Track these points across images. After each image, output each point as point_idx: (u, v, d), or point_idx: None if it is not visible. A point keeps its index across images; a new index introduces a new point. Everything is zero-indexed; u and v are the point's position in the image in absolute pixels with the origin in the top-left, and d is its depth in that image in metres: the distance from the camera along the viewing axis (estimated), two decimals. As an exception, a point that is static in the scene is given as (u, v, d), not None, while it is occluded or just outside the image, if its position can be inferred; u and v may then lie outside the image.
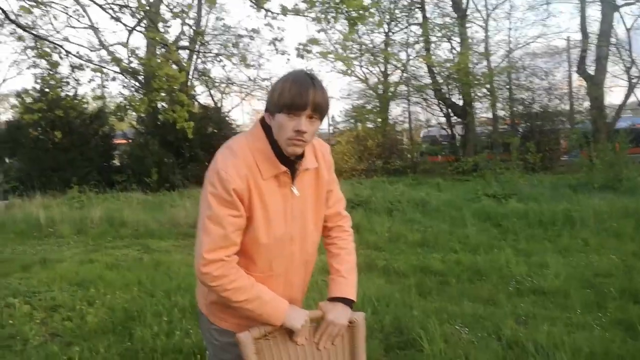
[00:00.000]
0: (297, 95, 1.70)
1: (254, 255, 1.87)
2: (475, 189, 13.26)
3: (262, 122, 1.87)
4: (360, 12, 5.52)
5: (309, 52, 5.93)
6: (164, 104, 10.85)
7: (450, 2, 21.44)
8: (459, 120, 22.08)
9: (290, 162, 1.85)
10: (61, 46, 7.16)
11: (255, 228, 1.83)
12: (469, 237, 8.13)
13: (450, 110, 22.34)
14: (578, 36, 21.51)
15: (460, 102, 21.92)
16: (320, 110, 1.76)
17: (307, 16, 5.82)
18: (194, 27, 11.52)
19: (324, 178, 2.01)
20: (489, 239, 7.98)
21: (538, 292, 5.44)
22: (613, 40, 20.61)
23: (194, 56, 15.04)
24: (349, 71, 22.18)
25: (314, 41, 5.92)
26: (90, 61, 7.47)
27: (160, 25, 7.33)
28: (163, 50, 8.32)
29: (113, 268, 6.93)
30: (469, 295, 5.40)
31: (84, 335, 4.42)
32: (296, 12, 6.22)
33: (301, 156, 1.88)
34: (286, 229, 1.90)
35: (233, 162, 1.77)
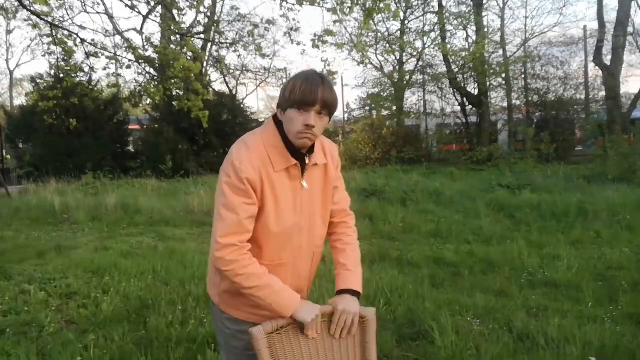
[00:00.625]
0: (308, 92, 1.82)
1: (263, 244, 1.96)
2: (489, 179, 13.21)
3: (275, 119, 1.98)
4: (376, 2, 5.50)
5: (324, 42, 5.93)
6: (179, 91, 10.89)
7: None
8: (474, 109, 21.91)
9: (301, 157, 1.96)
10: (77, 34, 7.20)
11: (266, 218, 1.92)
12: (483, 228, 8.12)
13: (465, 99, 22.18)
14: (595, 25, 21.28)
15: (476, 92, 21.75)
16: (328, 107, 1.87)
17: (322, 6, 5.82)
18: (208, 14, 11.49)
19: (332, 175, 2.11)
20: (502, 230, 7.97)
21: (550, 284, 5.43)
22: (630, 29, 20.34)
23: (209, 44, 15.03)
24: (366, 61, 22.18)
25: (329, 32, 5.92)
26: (105, 49, 7.51)
27: (175, 12, 7.35)
28: (178, 37, 8.35)
29: (128, 256, 7.00)
30: (481, 287, 5.41)
31: (99, 323, 4.48)
32: (312, 2, 6.20)
33: (311, 151, 1.99)
34: (295, 219, 2.00)
35: (247, 154, 1.88)
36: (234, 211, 1.85)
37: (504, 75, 20.93)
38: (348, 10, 5.61)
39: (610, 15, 20.36)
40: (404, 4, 22.53)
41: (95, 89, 15.28)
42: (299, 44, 6.98)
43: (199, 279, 5.64)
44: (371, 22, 18.64)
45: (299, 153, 1.95)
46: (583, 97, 21.18)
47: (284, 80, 22.12)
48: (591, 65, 22.22)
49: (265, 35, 20.35)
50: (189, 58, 7.11)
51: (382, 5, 5.61)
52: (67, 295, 5.35)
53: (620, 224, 7.87)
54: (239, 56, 22.01)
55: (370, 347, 2.05)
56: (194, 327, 4.23)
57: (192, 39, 8.39)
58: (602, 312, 4.54)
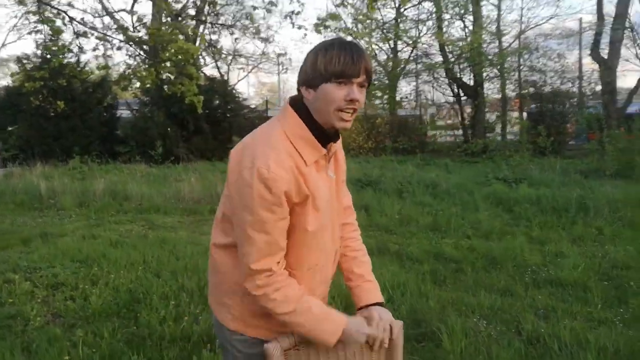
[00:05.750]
0: (350, 62, 1.55)
1: (295, 247, 1.69)
2: (484, 172, 13.05)
3: (292, 104, 1.69)
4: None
5: (326, 27, 5.68)
6: (170, 75, 10.58)
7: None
8: (469, 100, 21.72)
9: (327, 144, 1.69)
10: (65, 12, 6.86)
11: (303, 218, 1.65)
12: (481, 222, 7.94)
13: (460, 90, 21.98)
14: (590, 17, 21.16)
15: (471, 82, 21.55)
16: (370, 77, 1.63)
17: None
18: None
19: (343, 163, 1.89)
20: (502, 225, 7.80)
21: (555, 283, 5.26)
22: (628, 23, 20.22)
23: (202, 27, 14.66)
24: (367, 47, 21.84)
25: (334, 17, 5.66)
26: (94, 28, 7.19)
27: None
28: (170, 19, 8.06)
29: (117, 245, 6.75)
30: (484, 284, 5.22)
31: (87, 318, 4.27)
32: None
33: (337, 136, 1.73)
34: (330, 215, 1.76)
35: (275, 156, 1.57)
36: (264, 231, 1.58)
37: (499, 67, 20.73)
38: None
39: (607, 8, 20.10)
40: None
41: (84, 70, 14.81)
42: (300, 27, 6.63)
43: (192, 271, 5.42)
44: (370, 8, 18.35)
45: (326, 140, 1.68)
46: (582, 90, 21.05)
47: (282, 67, 21.84)
48: (587, 59, 22.14)
49: (266, 17, 19.91)
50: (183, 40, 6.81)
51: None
52: (54, 286, 5.11)
53: (622, 221, 7.72)
54: (235, 39, 21.48)
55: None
56: (188, 324, 4.02)
57: (187, 22, 8.11)
58: (612, 315, 4.38)
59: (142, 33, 6.95)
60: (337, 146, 1.80)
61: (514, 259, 6.06)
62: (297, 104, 1.69)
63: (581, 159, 15.92)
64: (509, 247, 6.48)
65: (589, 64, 22.08)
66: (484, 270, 5.73)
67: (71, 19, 6.83)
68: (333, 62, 1.56)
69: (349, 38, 22.51)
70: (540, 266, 5.78)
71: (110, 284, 5.10)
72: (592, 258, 6.10)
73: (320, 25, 5.52)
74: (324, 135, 1.66)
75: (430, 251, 6.47)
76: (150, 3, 12.18)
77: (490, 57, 20.63)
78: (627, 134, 12.63)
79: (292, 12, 6.43)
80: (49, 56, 14.99)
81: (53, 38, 12.70)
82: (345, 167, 1.92)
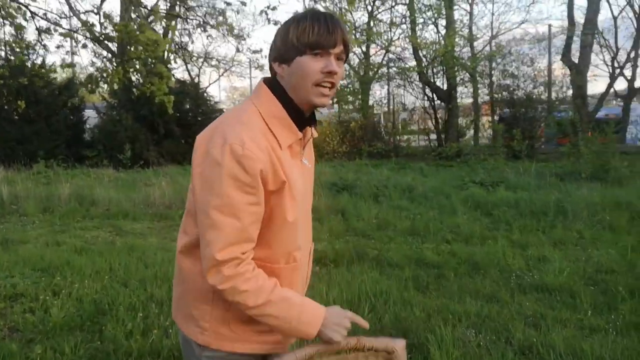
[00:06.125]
0: (325, 32, 1.42)
1: (274, 241, 1.49)
2: (460, 176, 12.94)
3: (267, 84, 1.51)
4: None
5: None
6: (139, 76, 10.19)
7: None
8: (443, 104, 21.67)
9: (303, 127, 1.53)
10: (27, 6, 6.48)
11: (282, 206, 1.45)
12: (460, 226, 7.78)
13: (434, 94, 21.91)
14: (559, 24, 21.40)
15: (445, 86, 21.50)
16: (347, 49, 1.50)
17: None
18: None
19: (313, 155, 1.76)
20: (481, 229, 7.63)
21: (541, 288, 5.10)
22: (598, 28, 20.46)
23: (173, 22, 14.27)
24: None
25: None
26: (58, 24, 6.81)
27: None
28: (137, 16, 7.73)
29: (82, 252, 6.40)
30: (469, 291, 5.04)
31: (47, 332, 3.93)
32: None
33: (313, 119, 1.56)
34: (304, 207, 1.58)
35: (248, 133, 1.38)
36: (235, 215, 1.35)
37: (472, 71, 20.73)
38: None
39: (576, 15, 20.30)
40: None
41: (49, 70, 14.25)
42: (276, 23, 6.35)
43: (162, 279, 5.11)
44: (342, 10, 18.18)
45: (302, 123, 1.51)
46: (550, 95, 21.17)
47: (257, 64, 21.44)
48: (557, 65, 22.35)
49: (239, 13, 19.46)
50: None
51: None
52: (12, 297, 4.77)
53: (601, 224, 7.64)
54: (208, 37, 20.99)
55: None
56: (157, 338, 3.73)
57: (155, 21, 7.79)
58: (604, 322, 4.22)
59: (109, 30, 6.62)
60: (313, 132, 1.64)
61: (497, 263, 5.90)
62: (272, 82, 1.51)
63: (554, 162, 15.97)
64: (491, 252, 6.33)
65: (559, 69, 22.30)
66: (467, 276, 5.55)
67: (33, 14, 6.44)
68: (307, 32, 1.42)
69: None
70: (525, 271, 5.62)
71: (74, 294, 4.78)
72: (576, 262, 5.97)
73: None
74: (301, 116, 1.50)
75: (411, 256, 6.27)
76: (119, 1, 11.80)
77: (463, 60, 20.62)
78: (602, 137, 12.67)
79: (268, 6, 6.15)
80: (10, 56, 14.43)
81: (18, 38, 12.18)
82: (314, 158, 1.75)
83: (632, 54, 22.20)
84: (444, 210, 8.93)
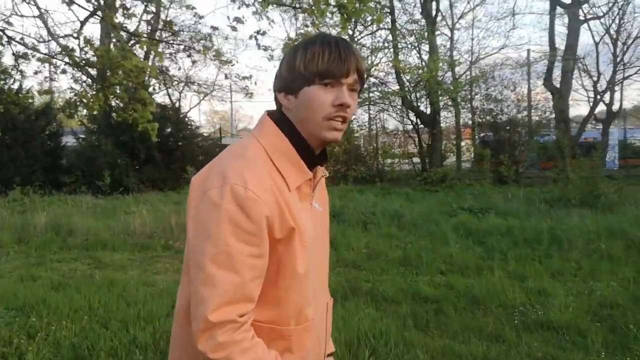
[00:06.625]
0: (337, 59, 1.26)
1: (283, 298, 1.27)
2: (447, 201, 12.77)
3: (272, 117, 1.35)
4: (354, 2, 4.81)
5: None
6: (119, 102, 9.89)
7: (420, 9, 20.96)
8: (427, 129, 21.63)
9: (313, 166, 1.36)
10: (3, 31, 6.19)
11: (291, 256, 1.25)
12: (453, 255, 7.55)
13: (418, 118, 21.87)
14: (539, 48, 21.68)
15: (428, 110, 21.48)
16: (362, 79, 1.34)
17: (295, 6, 5.09)
18: (153, 20, 10.56)
19: (326, 195, 1.59)
20: (475, 259, 7.42)
21: (547, 326, 4.87)
22: (579, 54, 20.74)
23: (151, 54, 14.00)
24: None
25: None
26: (36, 49, 6.51)
27: (120, 13, 6.48)
28: (117, 42, 7.48)
29: (59, 287, 6.04)
30: (472, 329, 4.78)
31: (20, 384, 3.58)
32: (278, 2, 5.49)
33: (324, 158, 1.41)
34: (320, 257, 1.41)
35: (251, 171, 1.18)
36: (234, 269, 1.14)
37: (459, 94, 20.79)
38: (324, 6, 4.86)
39: (558, 40, 20.60)
40: (353, 20, 22.17)
41: (25, 95, 13.88)
42: (266, 49, 6.14)
43: (145, 320, 4.77)
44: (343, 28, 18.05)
45: (312, 161, 1.34)
46: (532, 119, 21.29)
47: (247, 91, 21.24)
48: (537, 89, 22.54)
49: (228, 37, 19.28)
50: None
51: (364, 6, 4.92)
52: (-19, 342, 4.38)
53: (597, 254, 7.46)
54: (193, 62, 20.72)
55: None
56: (142, 390, 3.40)
57: (138, 43, 7.54)
58: (619, 364, 3.99)
59: (89, 55, 6.34)
60: (323, 172, 1.45)
61: (496, 297, 5.66)
62: (277, 115, 1.33)
63: (539, 187, 15.89)
64: (489, 284, 6.10)
65: (540, 93, 22.48)
66: (468, 312, 5.31)
67: (9, 39, 6.14)
68: (316, 59, 1.26)
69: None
70: (527, 306, 5.39)
71: (50, 337, 4.43)
72: (579, 296, 5.76)
73: (288, 47, 5.19)
74: (311, 154, 1.34)
75: (406, 290, 6.01)
76: (99, 26, 11.55)
77: (447, 84, 20.65)
78: (591, 162, 12.59)
79: (258, 31, 5.93)
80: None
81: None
82: (327, 200, 1.55)
83: (612, 79, 22.52)
84: (435, 238, 8.71)
